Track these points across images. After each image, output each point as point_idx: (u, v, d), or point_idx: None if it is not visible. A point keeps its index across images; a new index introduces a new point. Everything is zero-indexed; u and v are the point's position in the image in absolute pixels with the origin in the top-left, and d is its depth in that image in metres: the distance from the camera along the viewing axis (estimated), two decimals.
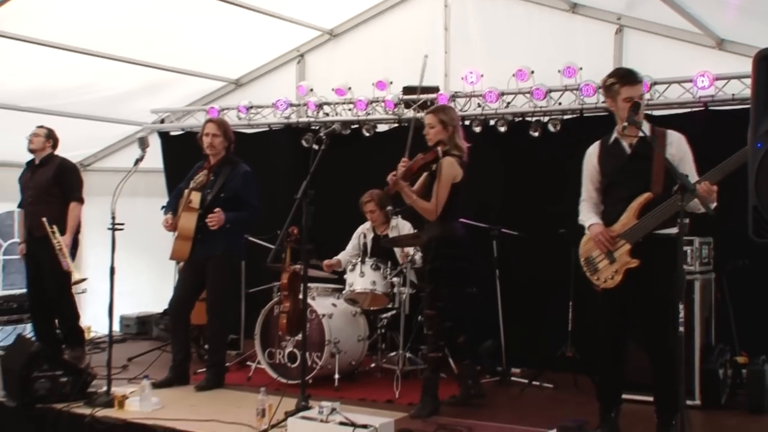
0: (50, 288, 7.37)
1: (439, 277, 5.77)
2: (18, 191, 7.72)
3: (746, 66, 4.50)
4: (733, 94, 6.76)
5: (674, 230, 4.74)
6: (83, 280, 7.38)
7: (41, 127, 7.59)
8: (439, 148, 5.73)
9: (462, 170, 5.80)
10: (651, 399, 5.08)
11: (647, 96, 6.96)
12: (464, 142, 5.95)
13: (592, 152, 5.08)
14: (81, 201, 7.59)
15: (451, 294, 5.80)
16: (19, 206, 7.74)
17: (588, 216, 5.05)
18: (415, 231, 7.32)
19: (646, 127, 4.78)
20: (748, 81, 5.94)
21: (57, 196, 7.42)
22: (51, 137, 7.57)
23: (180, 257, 6.56)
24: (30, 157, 7.61)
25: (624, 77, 4.83)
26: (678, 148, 4.79)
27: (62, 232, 7.23)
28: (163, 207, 6.79)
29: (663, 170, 4.70)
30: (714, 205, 4.40)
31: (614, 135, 4.95)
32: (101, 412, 5.55)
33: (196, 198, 6.42)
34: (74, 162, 7.89)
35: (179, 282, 6.76)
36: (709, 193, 4.38)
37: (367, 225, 7.60)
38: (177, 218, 6.46)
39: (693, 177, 4.63)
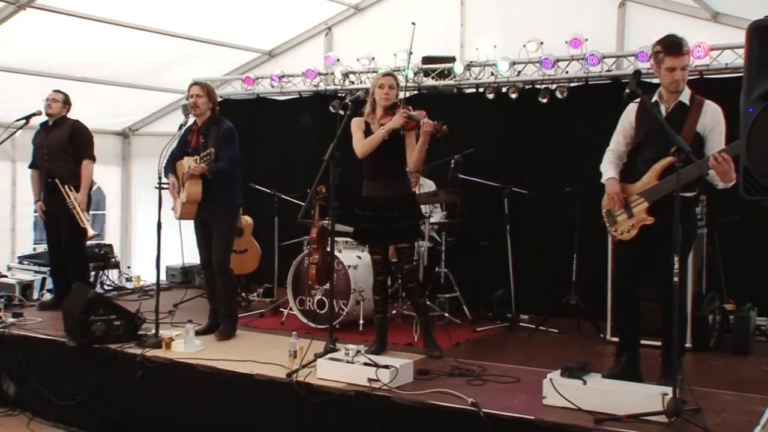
0: (64, 239, 7.44)
1: (417, 233, 5.75)
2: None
3: (739, 37, 4.44)
4: (726, 64, 6.69)
5: (691, 194, 4.70)
6: (96, 235, 7.42)
7: (58, 91, 7.50)
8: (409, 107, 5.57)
9: None
10: (651, 343, 5.09)
11: (647, 65, 6.89)
12: None
13: (632, 108, 4.90)
14: (93, 159, 7.56)
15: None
16: (30, 167, 7.67)
17: (608, 167, 4.93)
18: (434, 189, 7.33)
19: (686, 94, 4.69)
20: (741, 51, 5.86)
21: (71, 154, 7.41)
22: (67, 102, 7.51)
23: (189, 217, 6.36)
24: (37, 118, 7.45)
25: (669, 47, 4.62)
26: (712, 118, 4.64)
27: (77, 189, 7.31)
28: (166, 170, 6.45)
29: (692, 137, 4.56)
30: (732, 183, 4.30)
31: (655, 97, 4.76)
32: (151, 352, 5.62)
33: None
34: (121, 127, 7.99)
35: (198, 243, 6.57)
36: (724, 162, 4.25)
37: None
38: (182, 186, 6.28)
39: (721, 147, 4.52)
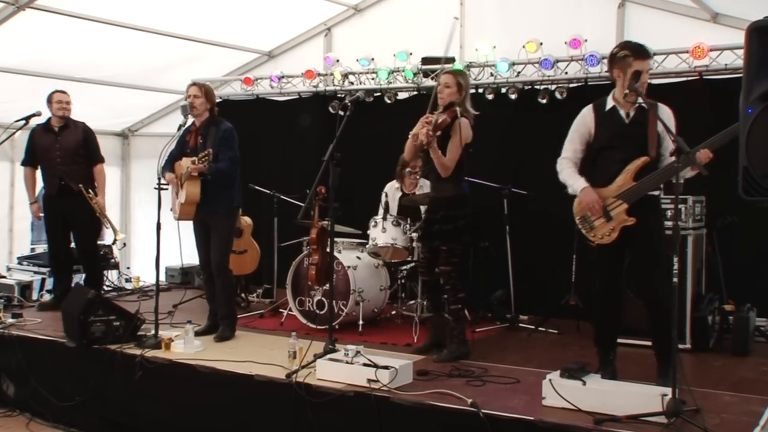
0: (79, 241, 7.49)
1: (457, 236, 5.64)
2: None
3: (738, 38, 4.45)
4: (725, 65, 6.70)
5: (658, 192, 4.84)
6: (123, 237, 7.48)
7: (65, 92, 7.48)
8: (458, 109, 5.55)
9: (472, 133, 5.69)
10: (645, 343, 5.09)
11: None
12: (473, 109, 5.76)
13: (588, 115, 4.94)
14: (104, 161, 7.71)
15: (463, 250, 5.77)
16: (25, 164, 7.64)
17: (574, 177, 4.95)
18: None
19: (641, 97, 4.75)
20: (740, 52, 5.86)
21: (84, 157, 7.48)
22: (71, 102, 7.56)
23: (188, 218, 6.35)
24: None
25: (637, 51, 4.70)
26: (669, 120, 4.69)
27: (93, 192, 7.39)
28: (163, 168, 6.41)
29: (656, 137, 4.67)
30: (697, 172, 4.45)
31: (611, 103, 4.83)
32: (150, 353, 5.62)
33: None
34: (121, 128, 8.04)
35: (197, 244, 6.55)
36: (706, 158, 4.39)
37: (390, 185, 7.58)
38: (181, 186, 6.26)
39: (670, 145, 4.61)
